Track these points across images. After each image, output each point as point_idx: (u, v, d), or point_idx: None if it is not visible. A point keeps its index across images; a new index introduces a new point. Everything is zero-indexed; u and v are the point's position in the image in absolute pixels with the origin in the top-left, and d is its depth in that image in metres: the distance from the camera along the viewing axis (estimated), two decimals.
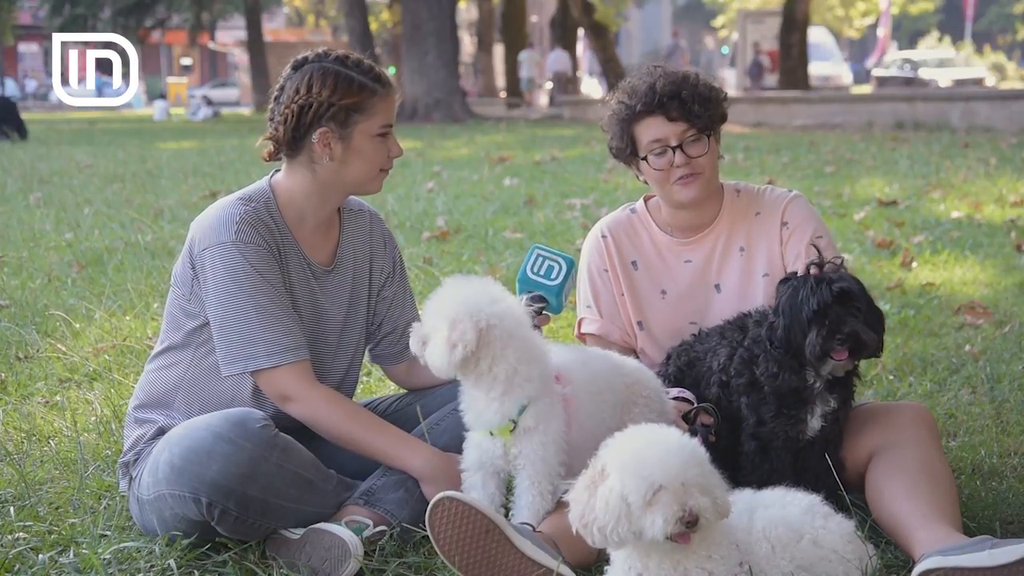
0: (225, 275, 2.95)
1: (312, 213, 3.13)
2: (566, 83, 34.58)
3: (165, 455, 2.82)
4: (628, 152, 3.33)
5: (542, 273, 3.04)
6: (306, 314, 3.12)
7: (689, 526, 2.31)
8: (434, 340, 2.74)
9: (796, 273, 2.98)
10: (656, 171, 3.28)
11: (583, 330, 3.52)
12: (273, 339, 2.95)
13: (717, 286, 3.42)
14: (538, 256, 3.06)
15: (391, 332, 3.30)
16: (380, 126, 3.06)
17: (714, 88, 3.29)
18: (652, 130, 3.26)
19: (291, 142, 3.05)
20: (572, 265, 3.06)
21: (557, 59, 34.96)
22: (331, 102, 2.99)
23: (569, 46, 35.90)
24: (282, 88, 3.07)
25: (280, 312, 2.97)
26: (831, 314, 2.85)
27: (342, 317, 3.22)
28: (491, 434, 2.84)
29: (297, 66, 3.07)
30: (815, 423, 3.01)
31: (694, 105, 3.21)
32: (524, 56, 35.51)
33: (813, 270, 2.92)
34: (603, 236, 3.50)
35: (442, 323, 2.73)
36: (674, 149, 3.24)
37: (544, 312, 3.05)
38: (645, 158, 3.29)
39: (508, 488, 2.94)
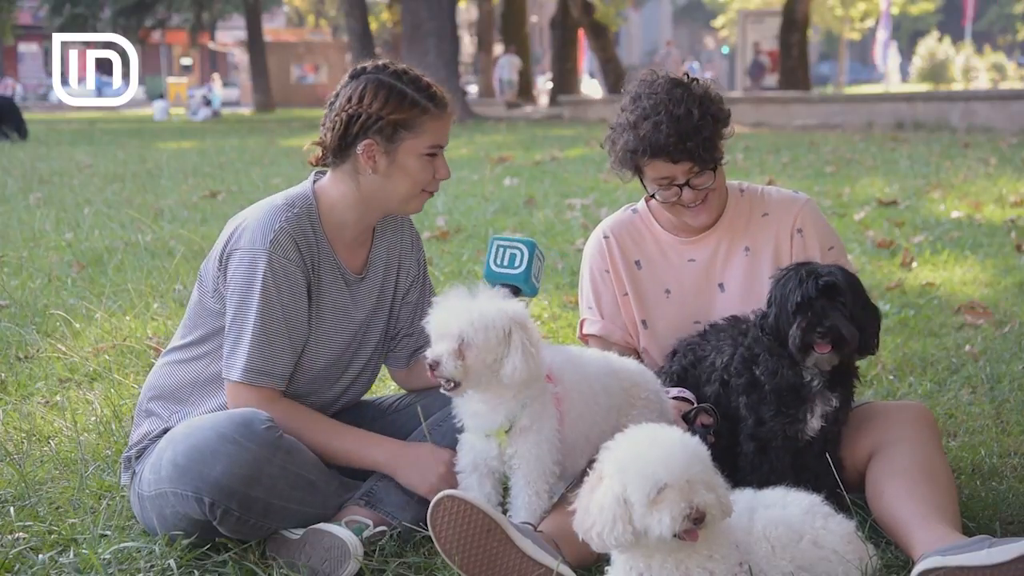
0: (245, 279, 2.94)
1: (353, 224, 3.11)
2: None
3: (168, 453, 2.82)
4: (633, 175, 3.34)
5: (506, 263, 3.01)
6: (330, 319, 3.11)
7: (697, 523, 2.32)
8: (514, 355, 2.71)
9: (790, 266, 3.01)
10: (664, 203, 3.31)
11: (585, 331, 3.52)
12: (255, 357, 2.94)
13: (721, 285, 3.42)
14: (498, 248, 3.03)
15: (409, 335, 3.29)
16: (428, 146, 3.01)
17: (717, 116, 3.23)
18: (658, 169, 3.24)
19: (336, 150, 3.03)
20: (533, 247, 3.02)
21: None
22: (380, 115, 2.96)
23: (568, 46, 35.96)
24: (337, 95, 3.05)
25: (276, 337, 2.95)
26: (815, 307, 2.87)
27: (365, 319, 3.21)
28: (486, 436, 2.84)
29: (355, 75, 3.04)
30: (815, 423, 3.01)
31: (699, 151, 3.17)
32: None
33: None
34: (605, 237, 3.50)
35: (489, 336, 2.70)
36: (681, 186, 3.25)
37: (521, 298, 3.02)
38: (653, 195, 3.31)
39: (505, 489, 2.94)
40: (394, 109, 2.97)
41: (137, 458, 3.04)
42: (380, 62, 3.07)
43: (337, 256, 3.10)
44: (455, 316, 2.73)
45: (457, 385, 2.74)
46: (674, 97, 3.19)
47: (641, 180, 3.33)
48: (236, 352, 2.95)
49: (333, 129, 3.01)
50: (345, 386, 3.22)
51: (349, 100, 2.99)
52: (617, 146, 3.27)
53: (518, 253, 3.01)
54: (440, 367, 2.71)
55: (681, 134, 3.15)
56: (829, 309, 2.87)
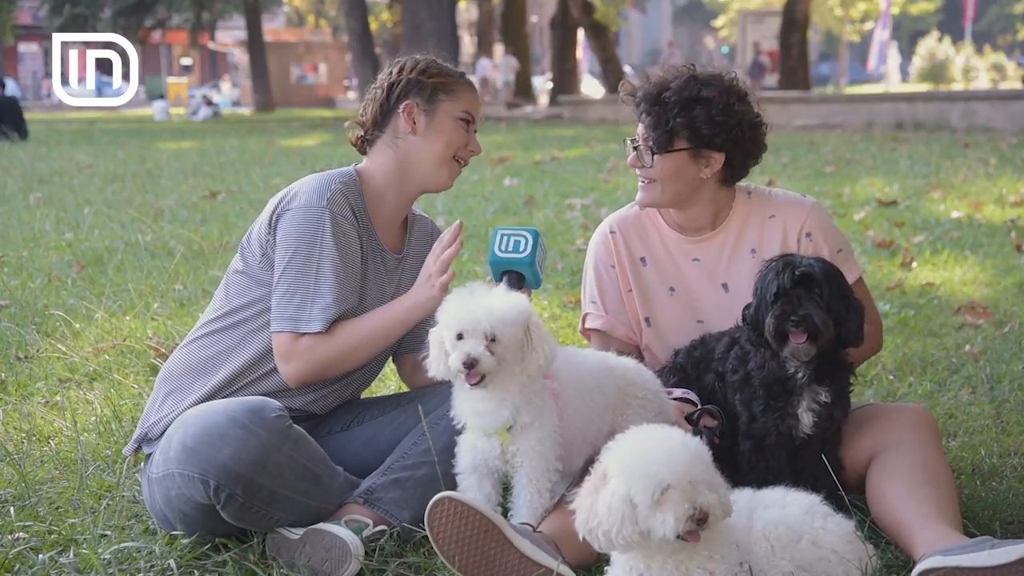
0: (309, 234, 3.00)
1: (391, 197, 3.22)
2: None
3: (178, 435, 2.83)
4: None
5: (510, 249, 3.01)
6: (371, 296, 3.17)
7: (699, 523, 2.32)
8: (542, 345, 2.78)
9: (772, 258, 3.02)
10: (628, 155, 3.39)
11: (587, 325, 3.52)
12: (339, 304, 3.01)
13: (724, 285, 3.42)
14: (502, 236, 3.03)
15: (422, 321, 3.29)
16: (462, 110, 3.20)
17: (694, 123, 3.21)
18: (639, 123, 3.33)
19: (378, 117, 3.21)
20: (537, 236, 3.02)
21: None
22: (419, 80, 3.19)
23: (568, 46, 36.03)
24: (376, 83, 3.26)
25: (326, 285, 3.01)
26: (790, 296, 2.88)
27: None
28: (487, 435, 2.84)
29: (392, 63, 3.27)
30: (806, 418, 3.01)
31: (646, 118, 3.26)
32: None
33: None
34: (611, 232, 3.50)
35: (515, 330, 2.75)
36: (635, 148, 3.30)
37: (525, 287, 3.02)
38: (626, 139, 3.39)
39: (505, 489, 2.94)
40: (433, 75, 3.20)
41: (151, 440, 3.04)
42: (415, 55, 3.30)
43: (376, 232, 3.20)
44: (481, 314, 2.74)
45: (483, 378, 2.76)
46: (683, 75, 3.28)
47: None
48: (312, 304, 2.99)
49: (374, 101, 3.22)
50: (371, 371, 3.27)
51: (390, 74, 3.23)
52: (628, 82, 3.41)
53: (522, 240, 3.01)
54: (479, 364, 2.73)
55: (650, 98, 3.26)
56: (804, 299, 2.89)
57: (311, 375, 3.06)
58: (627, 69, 37.09)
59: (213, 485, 2.75)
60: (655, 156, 3.26)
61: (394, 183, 3.21)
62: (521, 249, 3.00)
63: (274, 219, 3.07)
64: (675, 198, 3.34)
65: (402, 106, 3.16)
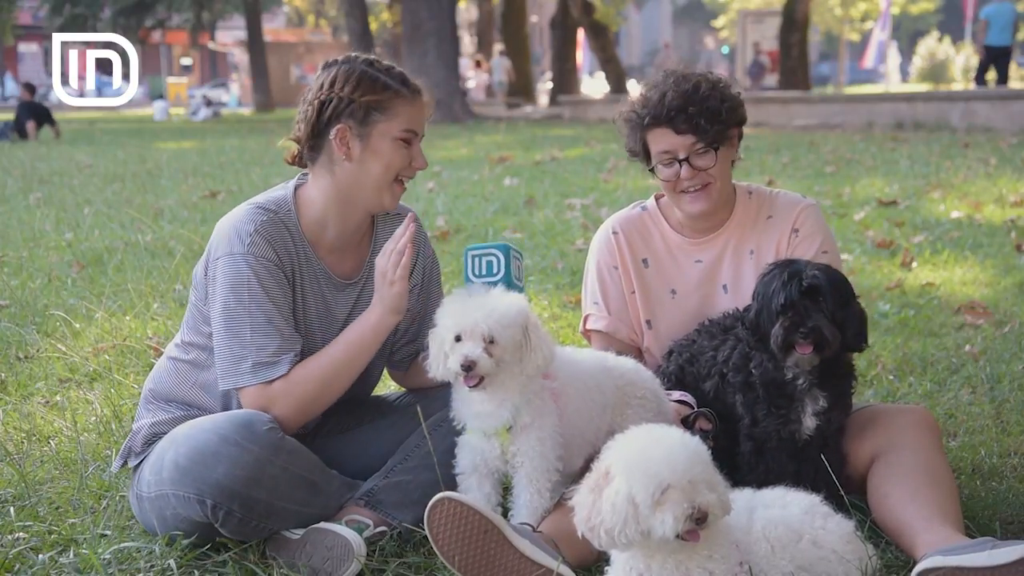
0: (229, 286, 2.90)
1: (334, 223, 3.06)
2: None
3: (170, 454, 2.81)
4: (642, 156, 3.36)
5: (484, 272, 2.97)
6: (318, 327, 3.07)
7: (699, 523, 2.32)
8: (540, 346, 2.78)
9: (775, 264, 3.02)
10: (665, 181, 3.30)
11: (589, 326, 3.51)
12: (259, 357, 2.89)
13: (724, 287, 3.42)
14: (473, 258, 2.99)
15: (411, 342, 3.26)
16: (401, 129, 2.98)
17: (727, 98, 3.25)
18: (661, 141, 3.26)
19: (310, 140, 3.00)
20: (507, 250, 2.99)
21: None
22: (351, 99, 2.93)
23: (568, 46, 36.04)
24: (309, 88, 3.03)
25: (272, 328, 2.91)
26: (798, 308, 2.88)
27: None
28: (486, 436, 2.84)
29: (327, 66, 3.03)
30: (809, 422, 3.01)
31: (700, 119, 3.19)
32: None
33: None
34: (614, 233, 3.49)
35: (514, 331, 2.75)
36: (681, 162, 3.25)
37: None
38: (654, 168, 3.32)
39: (505, 489, 2.94)
40: (366, 91, 2.94)
41: (138, 454, 3.03)
42: (352, 54, 3.06)
43: (322, 261, 3.06)
44: (479, 315, 2.73)
45: (481, 380, 2.76)
46: (686, 75, 3.27)
47: (648, 160, 3.33)
48: (242, 359, 2.89)
49: (306, 120, 2.99)
50: (355, 391, 3.20)
51: (321, 87, 2.98)
52: (624, 115, 3.32)
53: (494, 259, 2.98)
54: (477, 366, 2.73)
55: (685, 101, 3.20)
56: (812, 310, 2.88)
57: (299, 414, 2.94)
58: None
59: (210, 504, 2.73)
60: (718, 152, 3.25)
61: (335, 209, 3.03)
62: (495, 271, 2.97)
63: (209, 271, 2.97)
64: (724, 188, 3.35)
65: (333, 131, 2.94)
